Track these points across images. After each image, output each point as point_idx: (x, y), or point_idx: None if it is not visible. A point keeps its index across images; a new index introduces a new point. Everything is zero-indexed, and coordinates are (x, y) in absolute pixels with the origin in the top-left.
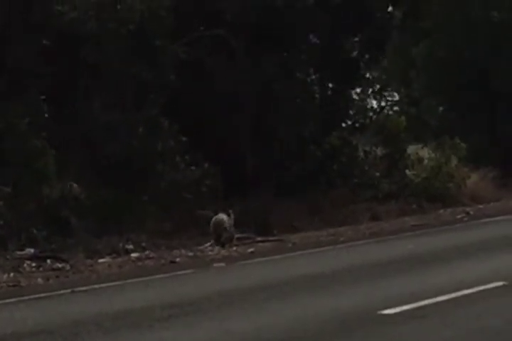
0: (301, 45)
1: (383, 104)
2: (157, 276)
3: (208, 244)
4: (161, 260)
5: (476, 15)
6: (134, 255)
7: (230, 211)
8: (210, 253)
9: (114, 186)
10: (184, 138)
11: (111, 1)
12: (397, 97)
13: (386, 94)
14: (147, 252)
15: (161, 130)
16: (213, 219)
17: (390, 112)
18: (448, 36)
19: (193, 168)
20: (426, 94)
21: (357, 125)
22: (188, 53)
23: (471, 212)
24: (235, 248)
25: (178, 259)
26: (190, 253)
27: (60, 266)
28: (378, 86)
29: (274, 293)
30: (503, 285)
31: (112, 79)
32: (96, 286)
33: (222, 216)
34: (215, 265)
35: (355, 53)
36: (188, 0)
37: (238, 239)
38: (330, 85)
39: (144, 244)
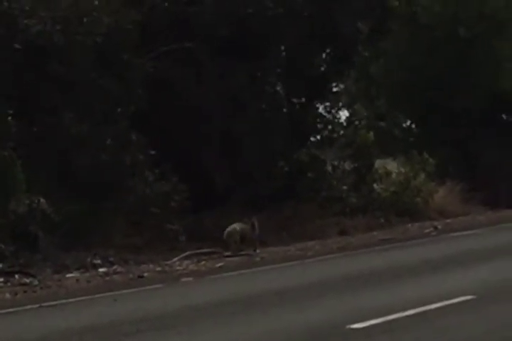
0: (270, 58)
1: (351, 118)
2: (125, 291)
3: (176, 258)
4: (129, 275)
5: (441, 33)
6: (102, 270)
7: (254, 219)
8: (178, 267)
9: (82, 200)
10: (153, 152)
11: (78, 14)
12: (364, 112)
13: (354, 108)
14: (115, 267)
15: (129, 143)
16: (227, 228)
17: (358, 126)
18: (406, 55)
19: (162, 182)
20: (390, 110)
21: (325, 139)
22: (156, 66)
23: (439, 227)
24: (203, 262)
25: (146, 274)
26: (159, 268)
27: (27, 281)
28: (345, 100)
29: (243, 307)
30: (472, 299)
31: (80, 92)
32: (64, 301)
33: (237, 225)
34: (183, 280)
35: (323, 67)
36: (156, 13)
37: (206, 253)
38: (298, 99)
39: (111, 259)
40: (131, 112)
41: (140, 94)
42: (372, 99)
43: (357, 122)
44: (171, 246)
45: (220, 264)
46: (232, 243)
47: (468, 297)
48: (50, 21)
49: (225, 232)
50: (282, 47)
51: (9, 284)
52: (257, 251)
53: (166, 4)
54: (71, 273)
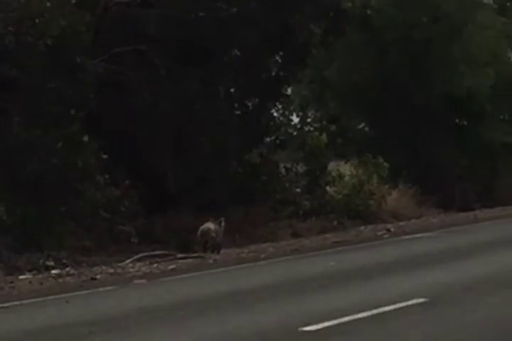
0: (223, 60)
1: (304, 120)
2: (78, 293)
3: (129, 260)
4: (82, 277)
5: (394, 36)
6: (54, 272)
7: (222, 219)
8: (130, 270)
9: (34, 203)
10: (105, 156)
11: (30, 15)
12: (317, 114)
13: (307, 110)
14: (68, 269)
15: (81, 147)
16: (200, 228)
17: (311, 129)
18: (362, 57)
19: (113, 188)
20: (343, 113)
21: (278, 142)
22: (110, 69)
23: (392, 229)
24: (155, 265)
25: (98, 276)
26: (111, 270)
27: None
28: (298, 102)
29: (195, 309)
30: (424, 302)
31: (31, 95)
32: (17, 303)
33: (209, 224)
34: (136, 282)
35: (276, 69)
36: (109, 16)
37: (159, 255)
38: (251, 101)
39: (64, 261)
40: (84, 115)
41: (93, 96)
42: (326, 101)
43: (310, 124)
44: (123, 248)
45: (172, 266)
46: (203, 242)
47: (421, 299)
48: (1, 23)
49: (199, 231)
50: (236, 50)
51: None
52: (220, 252)
53: (119, 6)
54: (24, 274)
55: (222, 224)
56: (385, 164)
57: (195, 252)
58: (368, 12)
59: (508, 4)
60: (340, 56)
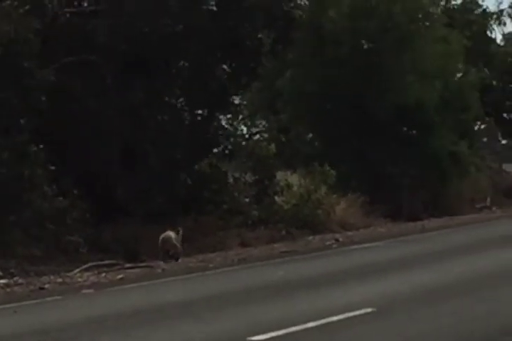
0: (171, 70)
1: (253, 130)
2: (26, 303)
3: (77, 270)
4: (30, 286)
5: (346, 46)
6: (2, 281)
7: (179, 228)
8: (79, 279)
9: None
10: (52, 167)
11: None
12: (266, 124)
13: (256, 120)
14: (16, 278)
15: (28, 157)
16: (161, 236)
17: (260, 138)
18: (314, 67)
19: (60, 198)
20: (294, 123)
21: (226, 151)
22: (59, 78)
23: (340, 239)
24: (104, 274)
25: (47, 286)
26: (59, 280)
27: None
28: (248, 112)
29: (144, 319)
30: (372, 312)
31: None
32: None
33: (170, 233)
34: (84, 291)
35: (225, 79)
36: (59, 24)
37: (107, 265)
38: (199, 111)
39: (12, 270)
40: (32, 124)
41: (42, 106)
42: (275, 110)
43: (258, 134)
44: (72, 258)
45: (120, 276)
46: (164, 250)
47: (369, 309)
48: None
49: (160, 239)
50: (184, 60)
51: None
52: (179, 260)
53: (68, 15)
54: None
55: (180, 232)
56: (332, 172)
57: (144, 261)
58: (321, 21)
59: (458, 16)
60: (292, 65)
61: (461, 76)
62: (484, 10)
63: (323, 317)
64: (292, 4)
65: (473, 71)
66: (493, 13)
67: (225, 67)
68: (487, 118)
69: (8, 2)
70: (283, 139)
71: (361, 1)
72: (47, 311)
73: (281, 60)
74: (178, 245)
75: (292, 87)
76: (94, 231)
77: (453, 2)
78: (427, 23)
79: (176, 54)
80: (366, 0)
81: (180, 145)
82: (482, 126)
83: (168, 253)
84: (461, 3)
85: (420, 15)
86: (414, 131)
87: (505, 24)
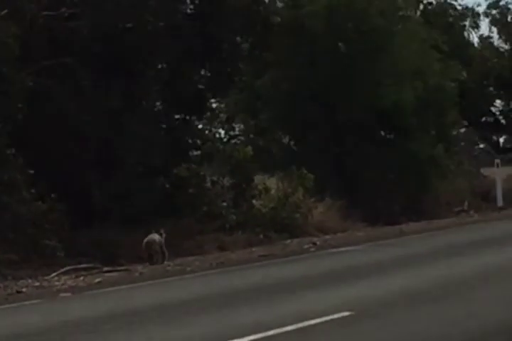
0: (149, 74)
1: (230, 134)
2: (3, 306)
3: (55, 273)
4: (8, 290)
5: (323, 49)
6: None
7: (162, 231)
8: (56, 283)
9: None
10: (31, 171)
11: None
12: (243, 128)
13: (233, 124)
14: None
15: (7, 161)
16: (145, 239)
17: (237, 142)
18: (292, 69)
19: (39, 202)
20: (272, 125)
21: (204, 155)
22: (37, 82)
23: (318, 243)
24: (81, 278)
25: (24, 289)
26: (37, 283)
27: None
28: (225, 116)
29: (122, 323)
30: (349, 315)
31: None
32: None
33: (154, 236)
34: (62, 295)
35: (202, 83)
36: (37, 28)
37: (85, 269)
38: (177, 114)
39: None
40: (10, 129)
41: (20, 109)
42: (253, 114)
43: (236, 138)
44: (49, 262)
45: (98, 279)
46: (148, 254)
47: (346, 313)
48: None
49: (144, 242)
50: (161, 63)
51: None
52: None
53: (46, 19)
54: None
55: (163, 235)
56: (310, 175)
57: (122, 265)
58: (297, 23)
59: (435, 19)
60: (271, 67)
61: (439, 77)
62: (462, 13)
63: (301, 321)
64: (271, 9)
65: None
66: (469, 16)
67: (202, 71)
68: (465, 122)
69: None
70: (260, 143)
71: (337, 3)
72: (25, 315)
73: (260, 63)
74: (163, 249)
75: (270, 88)
76: (72, 235)
77: (429, 6)
78: (403, 25)
79: (154, 56)
80: (342, 2)
81: (158, 149)
82: (461, 130)
83: (152, 258)
84: (439, 6)
85: (396, 18)
86: (392, 135)
87: (479, 27)
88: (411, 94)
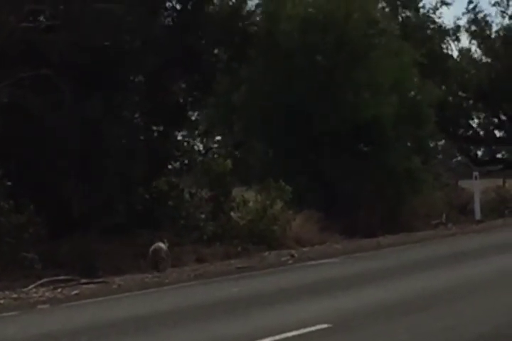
0: (128, 85)
1: (209, 145)
2: None
3: (32, 285)
4: None
5: (301, 61)
6: None
7: (165, 240)
8: (34, 295)
9: None
10: (9, 183)
11: None
12: (221, 140)
13: (211, 136)
14: None
15: None
16: (152, 247)
17: (216, 155)
18: (268, 82)
19: (18, 215)
20: (248, 138)
21: (183, 167)
22: (13, 94)
23: (296, 255)
24: (59, 290)
25: (2, 301)
26: (15, 295)
27: None
28: (203, 128)
29: (98, 335)
30: (327, 328)
31: None
32: None
33: (161, 244)
34: (40, 307)
35: (181, 95)
36: (14, 39)
37: (63, 280)
38: (156, 126)
39: None
40: None
41: None
42: (231, 126)
43: (215, 150)
44: (27, 273)
45: (76, 291)
46: (154, 261)
47: (324, 325)
48: None
49: (151, 250)
50: (141, 75)
51: None
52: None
53: (24, 31)
54: None
55: (166, 244)
56: (288, 187)
57: (100, 277)
58: (274, 36)
59: (413, 32)
60: (248, 80)
61: (417, 91)
62: (440, 26)
63: (278, 333)
64: (249, 21)
65: (430, 83)
66: (449, 29)
67: (181, 83)
68: (443, 135)
69: None
70: (238, 155)
71: (314, 16)
72: (2, 326)
73: (237, 75)
74: (168, 256)
75: (246, 100)
76: (51, 247)
77: (407, 19)
78: (381, 38)
79: (133, 69)
80: (319, 15)
81: (137, 160)
82: (439, 143)
83: (157, 265)
84: (417, 19)
85: (373, 31)
86: (369, 146)
87: (459, 40)
88: (389, 108)
